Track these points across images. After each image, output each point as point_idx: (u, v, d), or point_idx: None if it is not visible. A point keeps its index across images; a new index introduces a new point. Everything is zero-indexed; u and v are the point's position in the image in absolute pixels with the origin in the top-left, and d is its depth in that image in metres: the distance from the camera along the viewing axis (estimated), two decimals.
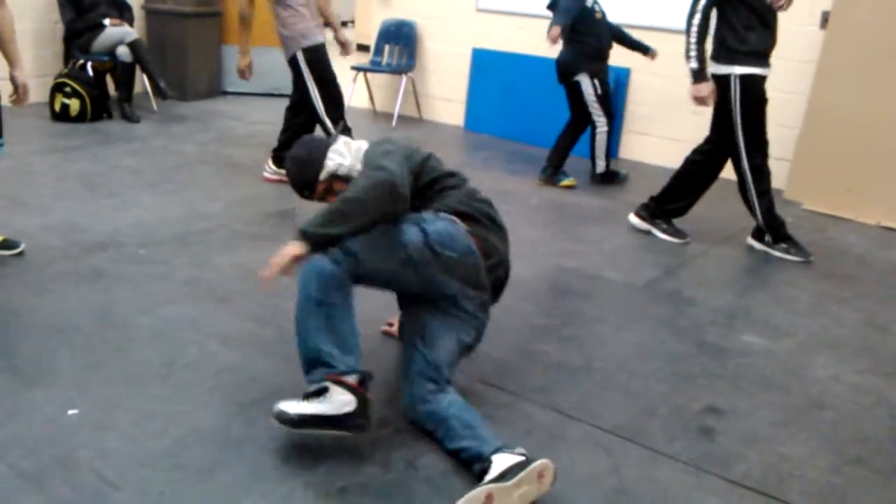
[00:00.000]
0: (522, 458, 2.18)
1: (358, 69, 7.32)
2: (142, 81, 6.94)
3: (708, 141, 4.40)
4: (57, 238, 3.90)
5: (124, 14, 6.77)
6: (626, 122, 6.20)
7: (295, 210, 4.68)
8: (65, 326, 3.02)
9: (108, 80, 6.70)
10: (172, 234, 4.08)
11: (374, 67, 7.38)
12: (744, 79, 4.11)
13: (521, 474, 2.13)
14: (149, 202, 4.56)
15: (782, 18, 5.46)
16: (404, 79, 7.23)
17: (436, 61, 7.32)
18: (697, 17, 4.03)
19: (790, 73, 5.57)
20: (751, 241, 4.56)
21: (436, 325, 2.54)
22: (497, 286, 2.74)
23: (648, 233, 4.61)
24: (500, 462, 2.18)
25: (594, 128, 5.45)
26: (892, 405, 2.93)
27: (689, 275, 4.07)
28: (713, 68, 4.18)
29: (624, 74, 6.15)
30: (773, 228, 4.40)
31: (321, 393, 2.31)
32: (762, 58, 4.14)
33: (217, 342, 2.99)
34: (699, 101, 4.16)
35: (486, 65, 6.98)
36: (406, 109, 7.33)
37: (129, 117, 6.51)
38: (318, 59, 4.78)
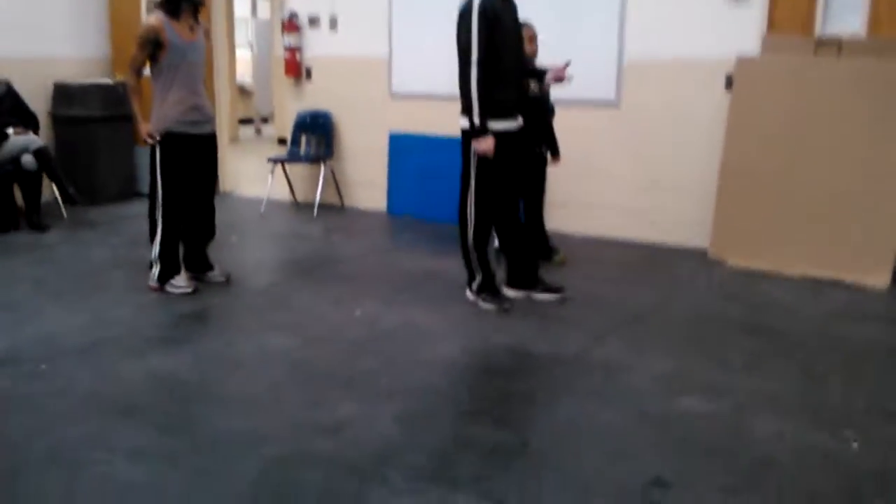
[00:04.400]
0: None
1: (275, 160, 7.21)
2: (50, 189, 6.69)
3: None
4: None
5: (29, 122, 6.58)
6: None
7: (210, 309, 4.47)
8: None
9: (16, 189, 6.44)
10: (76, 345, 3.82)
11: (292, 158, 7.29)
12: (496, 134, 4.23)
13: None
14: (52, 313, 4.30)
15: (691, 84, 5.64)
16: (323, 167, 7.15)
17: (353, 148, 7.28)
18: (477, 71, 4.10)
19: (701, 134, 5.65)
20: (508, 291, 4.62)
21: None
22: None
23: (527, 297, 4.59)
24: None
25: None
26: (837, 459, 2.84)
27: (618, 342, 3.97)
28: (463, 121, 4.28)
29: None
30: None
31: None
32: (504, 111, 4.26)
33: (122, 459, 2.75)
34: (486, 153, 4.20)
35: (404, 148, 6.95)
36: (327, 198, 7.22)
37: (36, 227, 6.24)
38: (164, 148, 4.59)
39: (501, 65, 4.20)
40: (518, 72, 4.43)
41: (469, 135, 4.28)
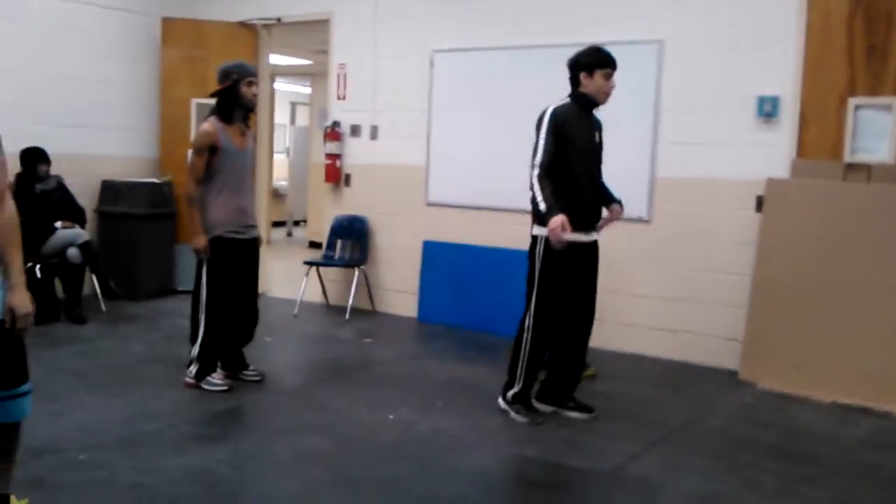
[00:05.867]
0: None
1: (311, 263, 7.37)
2: (90, 282, 6.87)
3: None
4: None
5: (76, 217, 6.81)
6: None
7: (245, 407, 4.53)
8: None
9: (57, 282, 6.61)
10: (116, 437, 3.89)
11: (327, 262, 7.45)
12: (548, 240, 4.26)
13: None
14: (93, 404, 4.38)
15: (722, 203, 5.77)
16: (357, 272, 7.29)
17: (387, 254, 7.43)
18: (539, 172, 4.25)
19: (731, 254, 5.75)
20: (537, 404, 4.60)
21: None
22: None
23: (556, 413, 4.58)
24: None
25: None
26: None
27: (653, 460, 3.97)
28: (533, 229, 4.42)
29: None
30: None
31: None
32: (575, 222, 4.23)
33: None
34: (558, 230, 4.13)
35: (437, 256, 7.09)
36: (359, 302, 7.33)
37: (76, 319, 6.38)
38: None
39: (573, 178, 4.33)
40: (591, 189, 4.49)
41: (535, 241, 4.37)
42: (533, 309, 4.40)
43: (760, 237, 5.56)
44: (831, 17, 5.43)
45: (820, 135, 5.53)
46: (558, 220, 4.13)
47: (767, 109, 5.61)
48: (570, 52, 4.51)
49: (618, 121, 5.18)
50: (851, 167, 5.36)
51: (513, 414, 4.47)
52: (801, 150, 5.59)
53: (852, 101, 5.39)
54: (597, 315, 4.68)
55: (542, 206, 4.21)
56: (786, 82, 5.57)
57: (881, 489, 3.73)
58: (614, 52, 4.48)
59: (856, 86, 5.40)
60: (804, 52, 5.51)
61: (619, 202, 4.65)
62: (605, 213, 4.65)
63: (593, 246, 4.52)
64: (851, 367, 5.12)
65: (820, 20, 5.46)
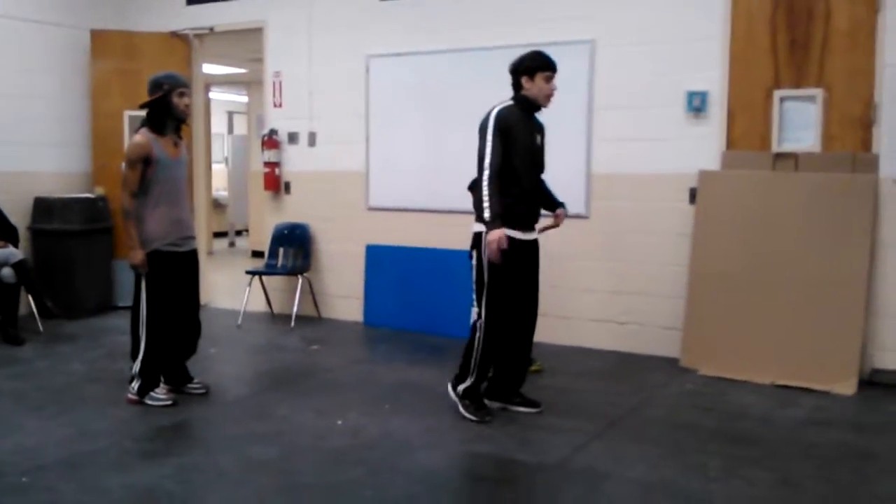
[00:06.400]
0: None
1: (253, 273, 7.31)
2: (27, 302, 6.71)
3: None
4: None
5: (9, 236, 6.65)
6: None
7: (190, 421, 4.47)
8: None
9: None
10: (59, 457, 3.81)
11: (269, 270, 7.40)
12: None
13: None
14: (32, 426, 4.28)
15: (657, 196, 5.89)
16: (300, 279, 7.26)
17: (331, 260, 7.41)
18: (489, 174, 4.30)
19: (669, 245, 5.87)
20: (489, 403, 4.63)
21: None
22: None
23: (503, 409, 4.62)
24: None
25: None
26: None
27: (599, 450, 4.04)
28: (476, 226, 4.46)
29: None
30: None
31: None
32: (517, 222, 4.38)
33: None
34: (496, 242, 4.23)
35: (381, 260, 7.10)
36: (304, 309, 7.29)
37: (12, 340, 6.22)
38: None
39: (515, 179, 4.37)
40: (532, 189, 4.54)
41: (479, 237, 4.40)
42: (485, 304, 4.42)
43: (695, 228, 5.70)
44: (754, 13, 5.60)
45: (748, 127, 5.68)
46: (499, 234, 4.23)
47: (696, 104, 5.75)
48: (505, 55, 4.60)
49: (553, 119, 5.28)
50: (779, 157, 5.52)
51: (461, 408, 4.50)
52: (731, 142, 5.73)
53: (778, 94, 5.55)
54: (541, 310, 4.74)
55: (486, 214, 4.27)
56: (713, 77, 5.71)
57: (821, 466, 3.84)
58: (548, 52, 4.55)
59: (780, 78, 5.56)
60: (730, 48, 5.66)
61: (563, 205, 4.74)
62: (549, 218, 4.72)
63: (534, 244, 4.58)
64: (787, 350, 5.27)
65: (743, 17, 5.63)
